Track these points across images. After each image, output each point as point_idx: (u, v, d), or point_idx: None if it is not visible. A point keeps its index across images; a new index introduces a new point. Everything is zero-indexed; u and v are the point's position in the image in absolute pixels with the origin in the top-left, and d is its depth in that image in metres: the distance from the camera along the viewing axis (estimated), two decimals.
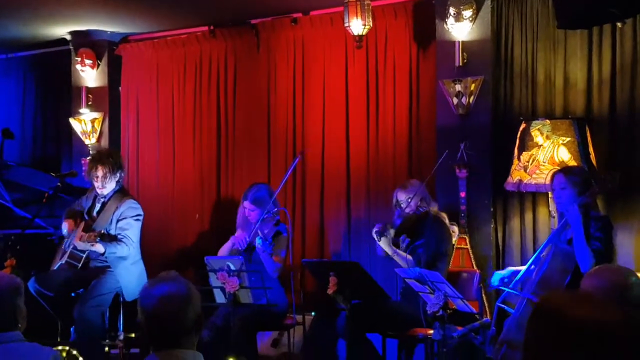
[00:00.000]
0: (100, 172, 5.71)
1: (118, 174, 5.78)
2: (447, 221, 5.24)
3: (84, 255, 5.60)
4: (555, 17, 5.13)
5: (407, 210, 5.10)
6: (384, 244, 5.05)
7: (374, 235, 5.05)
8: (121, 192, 5.82)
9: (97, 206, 5.82)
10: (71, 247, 5.64)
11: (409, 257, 5.03)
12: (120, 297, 5.72)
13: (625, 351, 1.70)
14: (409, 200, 5.09)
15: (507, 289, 4.50)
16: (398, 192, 5.23)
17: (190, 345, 2.58)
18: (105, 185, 5.73)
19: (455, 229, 5.38)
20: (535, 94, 5.79)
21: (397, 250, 5.07)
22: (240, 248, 5.51)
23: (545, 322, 1.79)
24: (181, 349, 2.55)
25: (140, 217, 5.78)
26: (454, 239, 5.38)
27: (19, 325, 3.19)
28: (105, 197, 5.78)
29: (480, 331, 4.50)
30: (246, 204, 5.63)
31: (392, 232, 5.05)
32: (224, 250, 5.66)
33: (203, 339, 5.09)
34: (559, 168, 4.92)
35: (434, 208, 5.21)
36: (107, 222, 5.66)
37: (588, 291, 2.65)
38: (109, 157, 5.84)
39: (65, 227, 5.73)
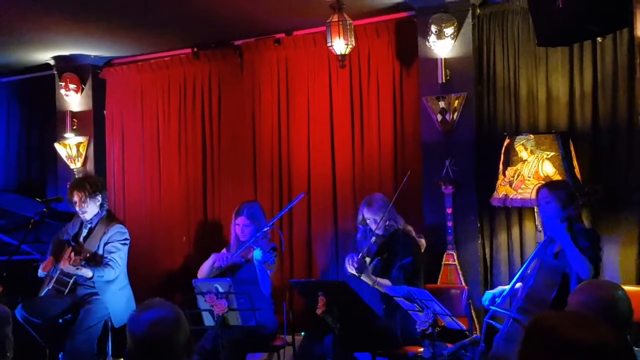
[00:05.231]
0: (75, 198, 5.70)
1: (98, 198, 5.74)
2: (414, 234, 5.26)
3: (71, 281, 5.55)
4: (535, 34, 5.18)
5: (377, 232, 5.11)
6: (365, 278, 5.04)
7: (352, 271, 5.01)
8: (108, 218, 5.79)
9: (84, 232, 5.78)
10: (58, 272, 5.60)
11: (386, 282, 5.04)
12: (108, 323, 5.68)
13: None
14: (379, 222, 5.09)
15: (493, 307, 4.51)
16: (364, 209, 5.24)
17: None
18: (85, 209, 5.70)
19: (423, 241, 5.38)
20: (518, 110, 5.84)
21: (378, 279, 5.07)
22: (220, 265, 5.48)
23: (539, 342, 1.80)
24: None
25: (127, 242, 5.75)
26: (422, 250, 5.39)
27: (8, 355, 3.17)
28: (91, 222, 5.75)
29: (469, 348, 4.51)
30: (240, 219, 5.61)
31: (368, 260, 5.06)
32: (204, 267, 5.64)
33: None
34: (543, 182, 4.96)
35: (401, 224, 5.22)
36: (95, 248, 5.62)
37: (580, 310, 2.66)
38: (84, 181, 5.83)
39: (42, 267, 5.68)
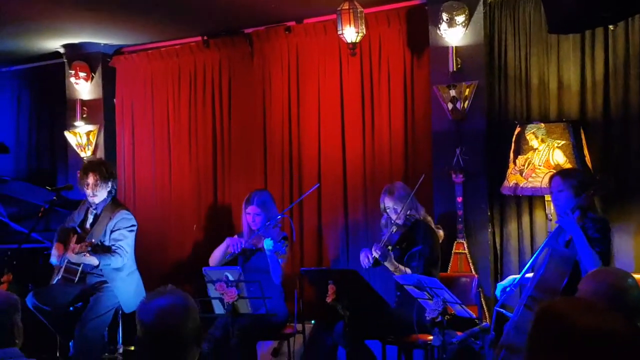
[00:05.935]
0: (91, 180, 5.66)
1: (110, 184, 5.72)
2: (433, 225, 5.26)
3: (79, 269, 5.55)
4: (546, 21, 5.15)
5: (398, 221, 5.11)
6: (388, 264, 5.04)
7: (375, 256, 5.00)
8: (114, 204, 5.77)
9: (90, 218, 5.76)
10: (66, 261, 5.59)
11: (408, 270, 5.03)
12: (119, 311, 5.69)
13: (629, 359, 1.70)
14: (399, 212, 5.09)
15: (508, 287, 4.52)
16: (385, 197, 5.24)
17: (191, 359, 2.56)
18: (96, 193, 5.67)
19: (441, 232, 5.38)
20: (529, 98, 5.81)
21: (399, 266, 5.07)
22: (234, 251, 5.48)
23: (548, 329, 1.78)
24: None
25: (134, 228, 5.73)
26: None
27: (17, 342, 3.18)
28: (97, 209, 5.73)
29: (479, 336, 4.51)
30: (251, 208, 5.61)
31: (390, 248, 5.06)
32: (217, 252, 5.63)
33: (203, 351, 5.08)
34: (554, 171, 4.93)
35: (422, 214, 5.22)
36: (101, 234, 5.60)
37: (590, 298, 2.65)
38: (101, 165, 5.82)
39: (54, 254, 5.67)
